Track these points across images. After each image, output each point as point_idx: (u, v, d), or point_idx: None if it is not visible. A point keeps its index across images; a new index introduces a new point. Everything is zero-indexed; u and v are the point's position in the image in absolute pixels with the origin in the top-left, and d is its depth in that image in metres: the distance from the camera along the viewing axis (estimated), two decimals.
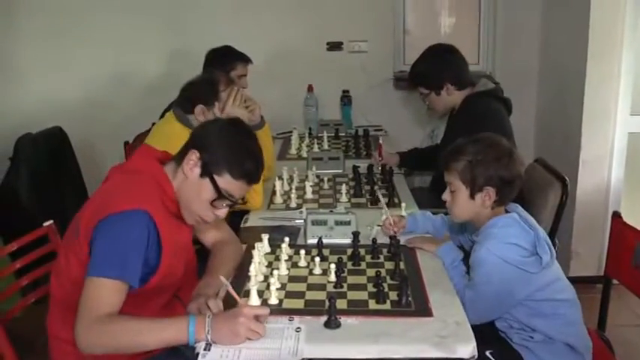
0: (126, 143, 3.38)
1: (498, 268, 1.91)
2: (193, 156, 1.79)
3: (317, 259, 2.01)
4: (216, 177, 1.78)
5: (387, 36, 4.20)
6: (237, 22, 4.06)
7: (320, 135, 3.70)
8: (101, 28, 4.05)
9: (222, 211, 1.85)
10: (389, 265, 2.05)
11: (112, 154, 3.90)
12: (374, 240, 2.15)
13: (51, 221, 2.23)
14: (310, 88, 4.08)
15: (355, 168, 2.95)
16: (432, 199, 2.77)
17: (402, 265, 2.02)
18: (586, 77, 3.44)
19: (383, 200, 2.36)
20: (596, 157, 3.57)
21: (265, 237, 2.16)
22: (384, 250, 2.15)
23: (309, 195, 2.76)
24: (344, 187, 2.75)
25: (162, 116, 2.98)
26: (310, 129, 3.89)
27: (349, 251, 2.12)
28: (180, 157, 1.84)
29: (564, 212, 2.59)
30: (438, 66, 2.97)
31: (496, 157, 1.99)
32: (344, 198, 2.71)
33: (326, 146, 3.60)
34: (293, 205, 2.65)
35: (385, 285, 1.86)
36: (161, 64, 4.13)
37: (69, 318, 1.65)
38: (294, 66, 4.15)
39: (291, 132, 3.71)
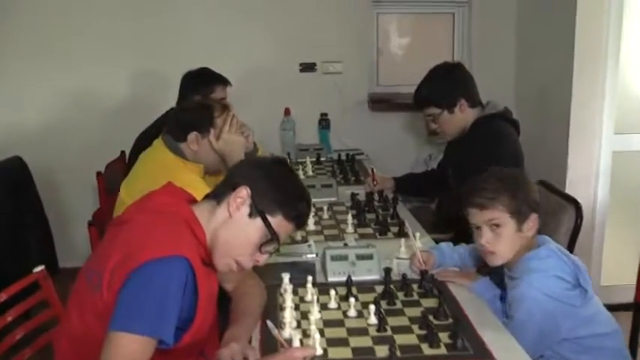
0: (98, 174, 3.11)
1: (541, 303, 1.81)
2: (244, 192, 1.59)
3: (352, 299, 1.84)
4: (268, 217, 1.59)
5: (361, 57, 4.09)
6: (206, 40, 3.89)
7: (302, 160, 3.53)
8: (61, 49, 3.80)
9: (264, 257, 1.65)
10: (425, 302, 1.90)
11: (76, 185, 3.65)
12: (404, 275, 1.99)
13: (42, 266, 1.97)
14: (287, 112, 3.92)
15: (354, 196, 2.79)
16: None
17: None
18: (572, 97, 3.41)
19: (412, 234, 2.18)
20: (583, 177, 3.53)
21: (286, 276, 1.97)
22: (415, 286, 2.00)
23: (311, 226, 2.57)
24: (349, 217, 2.58)
25: (147, 143, 2.70)
26: (289, 154, 3.71)
27: (378, 288, 1.96)
28: (218, 196, 1.64)
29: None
30: (449, 82, 2.78)
31: (524, 182, 1.96)
32: (350, 229, 2.54)
33: (310, 172, 3.43)
34: (297, 237, 2.46)
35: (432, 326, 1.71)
36: (127, 87, 3.87)
37: None
38: (268, 88, 3.98)
39: None
